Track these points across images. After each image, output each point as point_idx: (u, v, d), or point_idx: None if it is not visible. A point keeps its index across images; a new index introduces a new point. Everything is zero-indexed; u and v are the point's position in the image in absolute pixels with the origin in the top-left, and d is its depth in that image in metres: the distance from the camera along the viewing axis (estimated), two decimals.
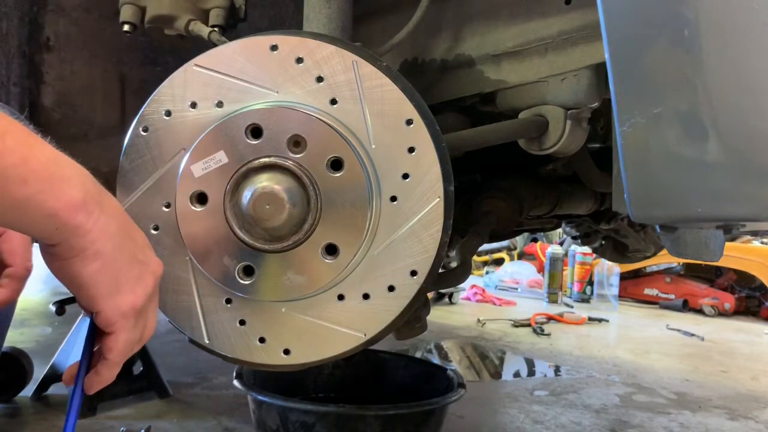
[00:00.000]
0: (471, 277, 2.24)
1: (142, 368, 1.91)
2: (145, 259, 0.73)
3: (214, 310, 0.94)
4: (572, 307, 4.39)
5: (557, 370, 2.57)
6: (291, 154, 0.88)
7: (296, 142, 0.88)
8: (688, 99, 0.76)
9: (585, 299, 4.67)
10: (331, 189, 0.88)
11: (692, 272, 4.73)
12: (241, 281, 0.91)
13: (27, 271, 0.89)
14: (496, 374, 2.47)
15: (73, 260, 0.65)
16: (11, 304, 0.88)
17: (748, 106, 0.75)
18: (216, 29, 1.12)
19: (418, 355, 2.67)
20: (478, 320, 3.56)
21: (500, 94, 1.20)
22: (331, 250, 0.89)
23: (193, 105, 0.91)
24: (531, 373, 2.53)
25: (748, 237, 4.42)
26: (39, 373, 1.89)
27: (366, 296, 0.91)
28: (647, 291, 4.76)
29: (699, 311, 4.39)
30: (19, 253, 0.88)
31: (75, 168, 0.65)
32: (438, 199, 0.89)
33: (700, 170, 0.77)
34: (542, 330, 3.39)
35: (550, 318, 3.76)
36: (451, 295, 4.20)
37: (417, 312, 1.09)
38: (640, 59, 0.79)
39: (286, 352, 0.94)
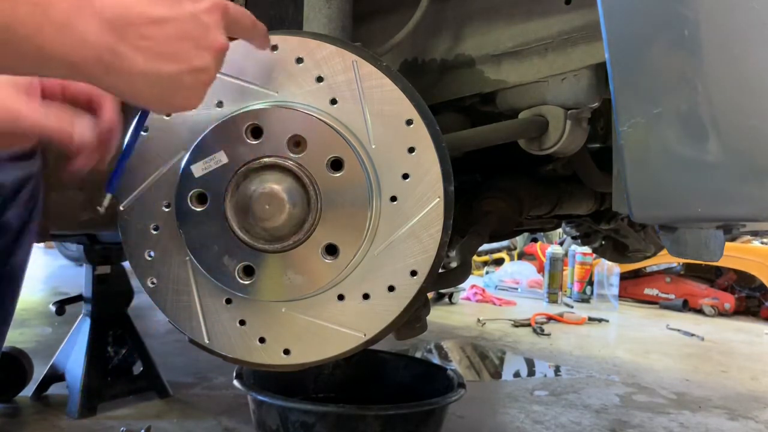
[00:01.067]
0: (471, 277, 2.24)
1: (142, 368, 1.91)
2: (201, 64, 0.68)
3: (214, 310, 0.94)
4: (572, 307, 4.39)
5: (557, 370, 2.57)
6: (291, 154, 0.88)
7: (296, 142, 0.88)
8: (688, 99, 0.76)
9: (585, 299, 4.67)
10: (331, 189, 0.88)
11: (692, 272, 4.73)
12: (241, 281, 0.91)
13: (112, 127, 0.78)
14: (496, 374, 2.47)
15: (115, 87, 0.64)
16: (11, 305, 0.88)
17: (748, 106, 0.75)
18: None
19: (418, 355, 2.67)
20: (478, 320, 3.56)
21: (500, 94, 1.20)
22: (331, 250, 0.89)
23: None
24: (531, 373, 2.53)
25: (748, 237, 4.42)
26: (39, 373, 1.89)
27: (366, 296, 0.91)
28: (647, 291, 4.76)
29: (699, 311, 4.39)
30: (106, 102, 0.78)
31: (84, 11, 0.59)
32: (438, 199, 0.89)
33: (700, 170, 0.77)
34: (542, 330, 3.39)
35: (550, 318, 3.76)
36: (451, 295, 4.20)
37: (417, 312, 1.09)
38: (640, 59, 0.79)
39: (286, 352, 0.94)
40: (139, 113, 0.81)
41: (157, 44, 0.63)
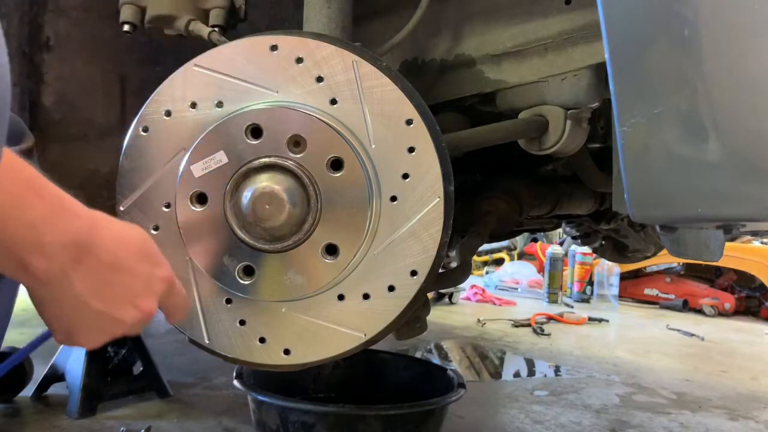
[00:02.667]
0: (471, 277, 2.24)
1: (142, 368, 1.91)
2: (124, 318, 0.70)
3: (214, 310, 0.94)
4: (572, 307, 4.39)
5: (557, 370, 2.57)
6: (291, 154, 0.88)
7: (296, 142, 0.88)
8: (688, 99, 0.76)
9: (585, 299, 4.67)
10: (331, 189, 0.88)
11: (692, 272, 4.73)
12: (241, 281, 0.91)
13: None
14: (496, 374, 2.47)
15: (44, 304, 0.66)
16: (10, 304, 0.88)
17: (748, 107, 0.75)
18: (216, 29, 1.12)
19: (418, 355, 2.67)
20: (478, 320, 3.56)
21: (500, 94, 1.20)
22: (331, 250, 0.89)
23: (193, 105, 0.91)
24: (531, 373, 2.53)
25: (748, 237, 4.41)
26: (39, 373, 1.89)
27: (366, 296, 0.91)
28: (647, 291, 4.76)
29: (699, 311, 4.39)
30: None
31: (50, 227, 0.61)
32: (438, 199, 0.89)
33: (700, 170, 0.77)
34: (542, 330, 3.38)
35: (550, 318, 3.75)
36: (451, 295, 4.19)
37: (417, 312, 1.09)
38: (640, 59, 0.79)
39: (286, 352, 0.94)
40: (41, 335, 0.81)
41: (101, 283, 0.66)
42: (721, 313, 4.32)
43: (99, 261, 0.64)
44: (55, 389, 1.87)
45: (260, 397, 1.32)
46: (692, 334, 3.53)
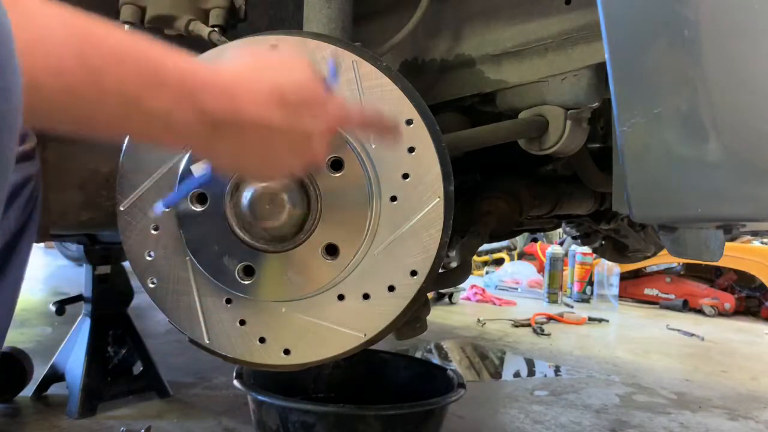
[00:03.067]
0: (471, 277, 2.24)
1: (142, 368, 1.91)
2: (288, 168, 0.69)
3: (214, 310, 0.94)
4: (572, 307, 4.38)
5: (557, 370, 2.57)
6: None
7: None
8: (688, 99, 0.76)
9: (585, 299, 4.67)
10: (331, 189, 0.88)
11: (692, 272, 4.72)
12: (241, 281, 0.91)
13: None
14: (496, 374, 2.47)
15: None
16: (11, 303, 0.88)
17: (748, 106, 0.75)
18: (216, 29, 1.12)
19: (418, 355, 2.67)
20: (478, 320, 3.56)
21: (500, 94, 1.20)
22: (332, 250, 0.89)
23: None
24: (531, 373, 2.53)
25: (748, 237, 4.41)
26: (39, 373, 1.89)
27: (366, 296, 0.91)
28: (647, 291, 4.76)
29: (699, 311, 4.39)
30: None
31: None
32: (438, 199, 0.89)
33: (700, 170, 0.77)
34: (542, 330, 3.38)
35: (550, 318, 3.75)
36: (451, 295, 4.19)
37: (417, 312, 1.09)
38: (640, 59, 0.79)
39: (286, 352, 0.94)
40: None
41: (252, 142, 0.64)
42: (721, 313, 4.32)
43: (242, 125, 0.62)
44: (55, 389, 1.87)
45: (260, 397, 1.32)
46: (692, 334, 3.53)
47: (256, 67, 0.65)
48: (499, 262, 5.83)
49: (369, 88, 0.89)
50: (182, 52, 0.59)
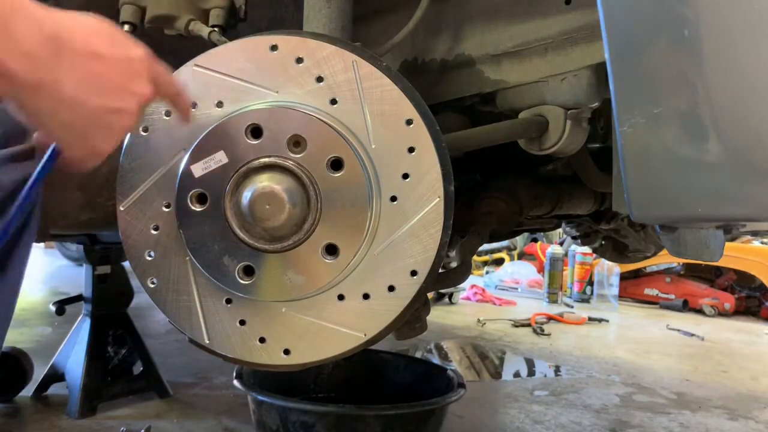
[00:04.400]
0: (471, 277, 2.24)
1: (142, 368, 1.91)
2: (124, 106, 0.69)
3: (214, 310, 0.94)
4: (572, 307, 4.39)
5: (557, 370, 2.57)
6: (291, 154, 0.88)
7: (296, 142, 0.88)
8: (688, 99, 0.76)
9: (585, 299, 4.67)
10: (331, 189, 0.88)
11: (692, 272, 4.73)
12: (241, 281, 0.91)
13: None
14: (496, 374, 2.47)
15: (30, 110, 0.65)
16: (11, 303, 0.88)
17: (748, 107, 0.75)
18: (216, 29, 1.12)
19: (418, 355, 2.67)
20: (478, 320, 3.56)
21: (500, 94, 1.20)
22: (331, 250, 0.89)
23: (193, 105, 0.91)
24: (531, 373, 2.53)
25: (748, 237, 4.41)
26: (39, 373, 1.89)
27: (366, 296, 0.91)
28: (647, 291, 4.76)
29: (699, 311, 4.39)
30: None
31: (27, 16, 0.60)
32: (438, 199, 0.89)
33: (700, 170, 0.77)
34: (542, 330, 3.39)
35: (550, 318, 3.75)
36: (451, 295, 4.19)
37: (417, 312, 1.09)
38: (640, 59, 0.79)
39: (286, 352, 0.94)
40: (49, 154, 0.73)
41: (88, 74, 0.65)
42: (721, 313, 4.32)
43: (77, 52, 0.63)
44: (55, 389, 1.87)
45: (260, 397, 1.32)
46: (692, 334, 3.53)
47: (74, 12, 0.66)
48: (499, 262, 5.83)
49: (369, 89, 0.89)
50: None
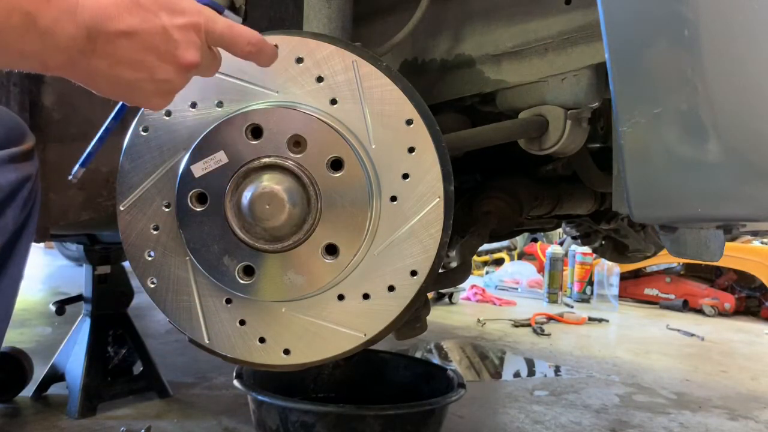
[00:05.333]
0: (471, 277, 2.24)
1: (142, 368, 1.91)
2: (163, 77, 0.71)
3: (214, 310, 0.94)
4: (572, 307, 4.39)
5: (557, 370, 2.57)
6: (291, 154, 0.88)
7: (296, 142, 0.88)
8: (688, 99, 0.76)
9: (585, 299, 4.67)
10: (331, 189, 0.88)
11: (692, 272, 4.73)
12: (241, 281, 0.91)
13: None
14: (496, 374, 2.47)
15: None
16: (10, 303, 0.88)
17: (748, 107, 0.75)
18: None
19: (418, 355, 2.67)
20: (478, 320, 3.56)
21: (500, 94, 1.20)
22: (331, 250, 0.89)
23: (193, 105, 0.91)
24: (531, 373, 2.53)
25: (748, 237, 4.41)
26: (39, 373, 1.89)
27: (366, 296, 0.91)
28: (647, 291, 4.76)
29: (699, 311, 4.39)
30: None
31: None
32: (438, 199, 0.89)
33: (700, 170, 0.77)
34: (542, 330, 3.39)
35: (550, 318, 3.75)
36: (451, 295, 4.19)
37: (417, 312, 1.09)
38: (640, 59, 0.79)
39: (286, 352, 0.94)
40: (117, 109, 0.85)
41: (121, 53, 0.66)
42: (721, 313, 4.32)
43: (110, 35, 0.65)
44: (55, 389, 1.87)
45: (260, 397, 1.32)
46: (692, 334, 3.53)
47: None
48: (499, 262, 5.83)
49: (369, 89, 0.89)
50: None
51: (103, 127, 0.89)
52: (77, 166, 0.88)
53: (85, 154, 0.89)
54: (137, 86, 0.70)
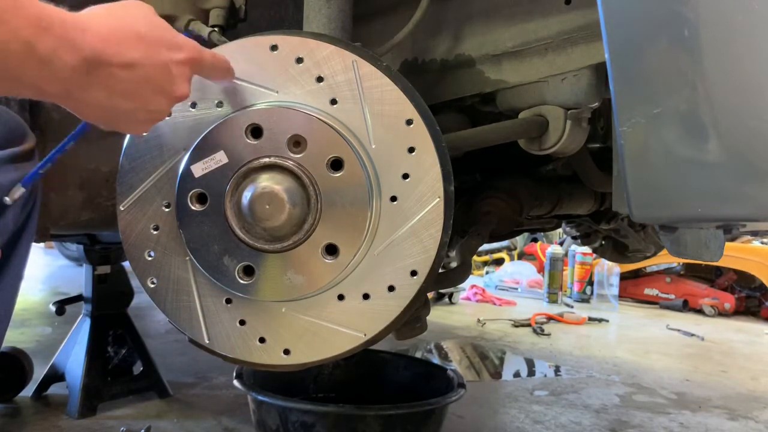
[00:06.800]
0: (471, 277, 2.24)
1: (142, 368, 1.91)
2: (156, 108, 0.73)
3: (214, 310, 0.94)
4: (572, 307, 4.38)
5: (557, 370, 2.57)
6: (291, 154, 0.88)
7: (296, 142, 0.88)
8: (688, 99, 0.76)
9: (585, 299, 4.66)
10: (331, 189, 0.88)
11: (692, 272, 4.72)
12: (241, 281, 0.91)
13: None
14: (496, 374, 2.47)
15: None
16: (10, 303, 0.88)
17: (748, 107, 0.75)
18: (216, 29, 1.12)
19: (418, 355, 2.67)
20: (478, 320, 3.56)
21: (500, 94, 1.20)
22: (331, 250, 0.89)
23: (193, 105, 0.91)
24: (531, 373, 2.53)
25: (748, 237, 4.41)
26: (39, 373, 1.89)
27: (366, 296, 0.91)
28: (647, 291, 4.75)
29: (699, 311, 4.39)
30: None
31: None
32: (438, 199, 0.89)
33: (700, 170, 0.77)
34: (542, 330, 3.38)
35: (550, 318, 3.75)
36: (451, 295, 4.19)
37: (417, 312, 1.09)
38: (640, 59, 0.79)
39: (286, 352, 0.94)
40: (83, 124, 0.81)
41: (121, 84, 0.67)
42: (721, 313, 4.32)
43: (112, 66, 0.66)
44: (55, 389, 1.87)
45: (260, 397, 1.32)
46: (692, 334, 3.53)
47: (110, 13, 0.69)
48: (499, 262, 5.83)
49: (369, 89, 0.89)
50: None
51: (58, 147, 0.83)
52: (19, 185, 0.80)
53: (29, 175, 0.82)
54: (130, 115, 0.71)
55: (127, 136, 0.94)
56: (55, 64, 0.61)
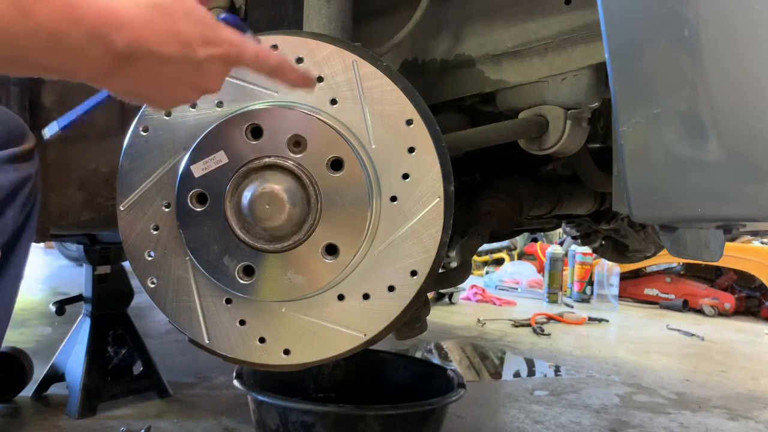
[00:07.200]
0: (471, 277, 2.24)
1: (142, 368, 1.91)
2: (185, 98, 0.74)
3: (214, 310, 0.94)
4: (572, 307, 4.38)
5: (557, 370, 2.57)
6: (291, 154, 0.88)
7: (296, 142, 0.88)
8: (688, 99, 0.76)
9: (585, 299, 4.66)
10: (331, 189, 0.88)
11: (692, 272, 4.72)
12: (241, 281, 0.91)
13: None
14: (496, 374, 2.47)
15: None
16: (10, 303, 0.88)
17: (748, 107, 0.75)
18: None
19: (418, 355, 2.67)
20: (478, 320, 3.56)
21: (500, 94, 1.20)
22: (331, 250, 0.89)
23: (193, 105, 0.91)
24: (531, 373, 2.53)
25: (748, 237, 4.41)
26: (39, 373, 1.89)
27: (366, 296, 0.91)
28: (647, 291, 4.75)
29: (699, 311, 4.38)
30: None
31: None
32: (438, 199, 0.89)
33: (700, 170, 0.77)
34: (542, 330, 3.38)
35: (550, 318, 3.75)
36: (451, 295, 4.19)
37: (417, 312, 1.09)
38: (640, 59, 0.79)
39: (286, 352, 0.94)
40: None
41: (150, 76, 0.66)
42: (721, 313, 4.32)
43: (144, 60, 0.64)
44: (55, 389, 1.87)
45: (260, 397, 1.32)
46: (692, 334, 3.53)
47: (147, 2, 0.67)
48: (499, 262, 5.82)
49: (369, 89, 0.89)
50: None
51: (97, 97, 0.80)
52: (55, 123, 0.79)
53: (70, 117, 0.80)
54: (156, 100, 0.72)
55: (127, 137, 0.94)
56: (86, 55, 0.60)
